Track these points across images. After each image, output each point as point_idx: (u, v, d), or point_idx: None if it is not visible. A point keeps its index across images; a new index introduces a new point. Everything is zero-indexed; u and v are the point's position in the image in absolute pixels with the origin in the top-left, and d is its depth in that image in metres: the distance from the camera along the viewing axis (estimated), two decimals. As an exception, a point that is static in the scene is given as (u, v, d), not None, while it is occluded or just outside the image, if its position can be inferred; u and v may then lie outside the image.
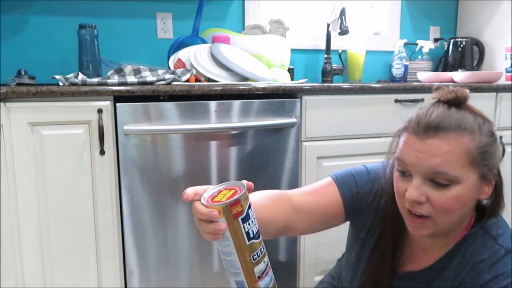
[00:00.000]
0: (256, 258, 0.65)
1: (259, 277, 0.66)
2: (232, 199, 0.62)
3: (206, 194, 0.65)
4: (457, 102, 0.77)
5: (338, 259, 1.18)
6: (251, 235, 0.64)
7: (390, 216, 0.87)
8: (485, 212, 0.82)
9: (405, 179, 0.78)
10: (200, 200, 0.64)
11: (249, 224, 0.64)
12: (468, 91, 0.78)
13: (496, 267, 0.76)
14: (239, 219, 0.62)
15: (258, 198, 0.86)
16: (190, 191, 0.66)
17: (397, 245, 0.89)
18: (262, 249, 0.66)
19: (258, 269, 0.66)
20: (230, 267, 0.66)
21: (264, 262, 0.66)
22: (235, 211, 0.62)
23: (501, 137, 2.07)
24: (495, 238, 0.79)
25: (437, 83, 1.94)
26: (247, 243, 0.64)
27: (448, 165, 0.73)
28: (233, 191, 0.65)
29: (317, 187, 0.94)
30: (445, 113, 0.75)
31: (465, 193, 0.75)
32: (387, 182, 0.88)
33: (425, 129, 0.74)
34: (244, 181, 0.66)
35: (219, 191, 0.66)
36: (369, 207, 0.92)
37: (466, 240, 0.81)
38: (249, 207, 0.64)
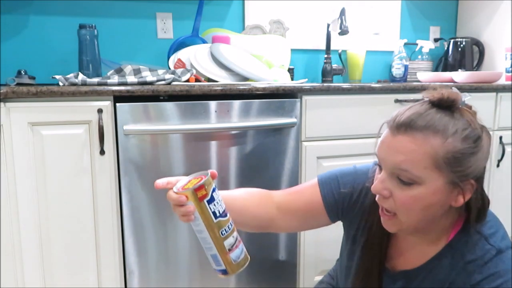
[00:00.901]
0: (224, 233, 0.75)
1: (229, 250, 0.76)
2: (196, 185, 0.72)
3: (179, 184, 0.76)
4: (441, 104, 0.75)
5: (337, 259, 1.19)
6: (217, 214, 0.74)
7: (377, 213, 0.87)
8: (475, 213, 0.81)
9: (379, 173, 0.80)
10: (172, 189, 0.75)
11: (214, 205, 0.74)
12: (459, 94, 0.76)
13: (487, 267, 0.76)
14: (205, 201, 0.73)
15: (242, 193, 0.94)
16: (162, 180, 0.78)
17: (383, 242, 0.90)
18: (230, 226, 0.76)
19: (227, 242, 0.75)
20: (204, 243, 0.77)
21: (233, 236, 0.76)
22: (200, 194, 0.72)
23: (501, 137, 2.07)
24: (487, 238, 0.78)
25: (438, 83, 1.94)
26: (215, 220, 0.74)
27: (410, 164, 0.73)
28: (199, 179, 0.74)
29: (300, 187, 0.98)
30: (422, 112, 0.74)
31: (428, 196, 0.74)
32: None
33: (398, 126, 0.75)
34: (209, 170, 0.76)
35: (189, 181, 0.76)
36: (355, 205, 0.93)
37: (457, 240, 0.81)
38: (213, 191, 0.74)
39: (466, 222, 0.81)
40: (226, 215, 0.76)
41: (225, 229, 0.75)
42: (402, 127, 0.74)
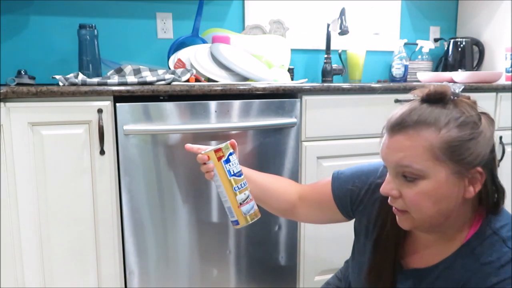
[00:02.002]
0: (237, 189, 0.95)
1: (240, 204, 0.95)
2: (215, 147, 0.95)
3: (206, 149, 0.98)
4: (430, 98, 0.77)
5: (345, 261, 1.18)
6: (232, 173, 0.95)
7: (389, 209, 0.87)
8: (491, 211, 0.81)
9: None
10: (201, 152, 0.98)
11: (229, 165, 0.95)
12: (448, 87, 0.77)
13: (503, 271, 0.74)
14: (222, 161, 0.95)
15: (270, 175, 1.10)
16: (194, 145, 1.04)
17: (398, 238, 0.90)
18: (242, 185, 0.96)
19: (239, 197, 0.95)
20: (222, 197, 0.97)
21: (244, 194, 0.95)
22: (218, 155, 0.95)
23: (501, 137, 2.06)
24: (505, 240, 0.77)
25: (438, 83, 1.93)
26: (229, 177, 0.95)
27: (410, 159, 0.75)
28: (218, 147, 0.96)
29: (318, 182, 1.07)
30: (413, 109, 0.76)
31: (435, 189, 0.75)
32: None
33: (392, 126, 0.78)
34: (230, 140, 0.99)
35: (214, 147, 0.97)
36: (363, 199, 0.95)
37: (473, 240, 0.80)
38: (230, 155, 0.96)
39: (483, 223, 0.80)
40: (240, 176, 0.96)
41: (237, 186, 0.95)
42: (396, 127, 0.77)
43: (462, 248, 0.81)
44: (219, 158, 0.94)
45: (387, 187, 0.80)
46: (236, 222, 0.96)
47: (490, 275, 0.75)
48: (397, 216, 0.83)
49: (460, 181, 0.75)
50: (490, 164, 0.77)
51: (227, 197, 0.95)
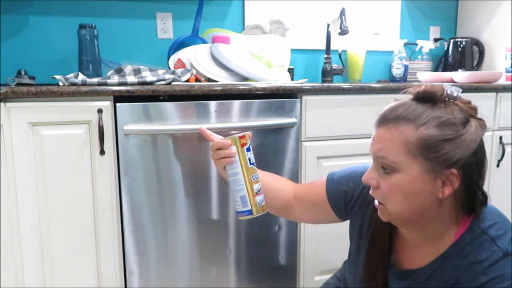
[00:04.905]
0: (254, 178, 0.94)
1: (256, 193, 0.94)
2: (240, 134, 0.94)
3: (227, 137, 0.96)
4: (419, 97, 0.78)
5: (344, 261, 1.19)
6: (251, 161, 0.94)
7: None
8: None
9: None
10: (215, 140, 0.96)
11: (250, 153, 0.94)
12: (441, 88, 0.78)
13: (493, 269, 0.75)
14: (245, 148, 0.94)
15: (269, 173, 1.10)
16: (209, 132, 1.00)
17: (387, 237, 0.91)
18: (257, 175, 0.95)
19: (255, 187, 0.94)
20: (237, 185, 0.94)
21: (259, 184, 0.95)
22: (242, 142, 0.94)
23: (501, 137, 2.06)
24: (494, 239, 0.78)
25: (438, 83, 1.94)
26: (249, 165, 0.94)
27: (386, 151, 0.78)
28: (241, 134, 0.95)
29: (314, 182, 1.08)
30: (399, 105, 0.79)
31: (407, 183, 0.77)
32: None
33: (378, 120, 0.82)
34: (248, 132, 0.96)
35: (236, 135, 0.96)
36: (357, 200, 0.96)
37: (462, 239, 0.80)
38: (249, 144, 0.95)
39: (472, 223, 0.81)
40: (255, 165, 0.95)
41: (255, 176, 0.94)
42: (381, 120, 0.81)
43: (451, 247, 0.81)
44: (243, 145, 0.93)
45: (368, 176, 0.83)
46: (249, 212, 0.93)
47: (479, 274, 0.76)
48: (378, 210, 0.85)
49: (432, 179, 0.76)
50: (470, 169, 0.76)
51: (244, 185, 0.93)
